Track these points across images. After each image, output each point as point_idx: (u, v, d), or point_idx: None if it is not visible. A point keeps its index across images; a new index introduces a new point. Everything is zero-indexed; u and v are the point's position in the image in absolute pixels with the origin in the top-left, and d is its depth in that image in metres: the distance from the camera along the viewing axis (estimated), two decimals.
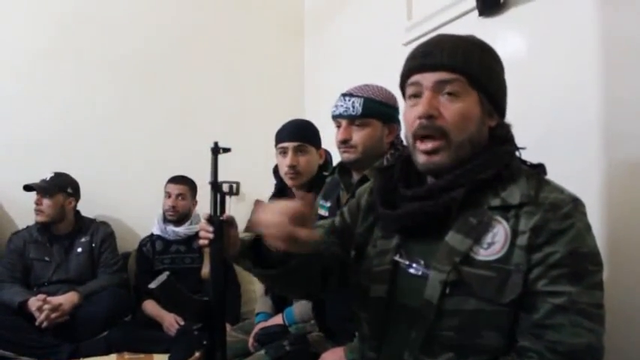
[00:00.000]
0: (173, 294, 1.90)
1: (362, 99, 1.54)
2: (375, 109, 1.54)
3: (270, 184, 2.21)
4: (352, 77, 2.73)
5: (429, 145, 0.96)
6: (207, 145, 1.50)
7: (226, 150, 1.45)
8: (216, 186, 1.44)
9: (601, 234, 1.25)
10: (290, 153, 1.89)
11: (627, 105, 1.30)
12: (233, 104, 3.34)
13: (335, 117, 1.59)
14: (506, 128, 1.02)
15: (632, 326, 1.22)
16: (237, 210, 2.92)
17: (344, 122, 1.56)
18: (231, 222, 1.33)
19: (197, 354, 1.91)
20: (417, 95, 0.98)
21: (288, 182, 1.93)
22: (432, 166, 0.97)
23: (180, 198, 2.81)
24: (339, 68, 3.00)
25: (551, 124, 1.51)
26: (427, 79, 0.96)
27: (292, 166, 1.88)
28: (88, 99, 3.06)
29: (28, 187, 2.67)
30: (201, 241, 1.36)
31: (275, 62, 3.45)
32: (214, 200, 1.39)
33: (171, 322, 2.52)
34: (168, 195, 2.83)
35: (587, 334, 0.83)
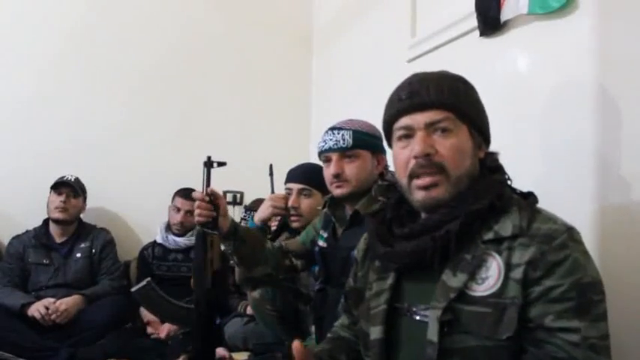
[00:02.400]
0: (153, 299, 1.94)
1: (350, 131, 1.54)
2: (364, 140, 1.55)
3: None
4: (358, 93, 2.81)
5: (427, 179, 0.95)
6: (212, 156, 1.53)
7: (221, 164, 1.48)
8: (210, 195, 1.49)
9: (594, 247, 1.29)
10: (294, 195, 1.94)
11: (624, 124, 1.32)
12: (240, 116, 3.39)
13: (324, 152, 1.58)
14: (494, 157, 1.02)
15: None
16: (239, 218, 2.96)
17: (334, 156, 1.55)
18: (217, 195, 1.49)
19: (182, 358, 1.94)
20: (407, 136, 0.98)
21: (292, 224, 1.98)
22: (431, 201, 0.96)
23: (189, 214, 2.80)
24: (345, 84, 3.05)
25: (549, 142, 1.54)
26: (417, 119, 0.96)
27: (294, 208, 1.93)
28: (96, 108, 3.10)
29: (60, 184, 2.71)
30: (197, 218, 1.47)
31: (283, 77, 3.50)
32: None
33: (156, 327, 2.57)
34: (177, 209, 2.85)
35: None
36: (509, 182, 1.00)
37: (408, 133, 0.98)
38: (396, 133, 1.01)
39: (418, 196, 0.97)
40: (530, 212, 0.92)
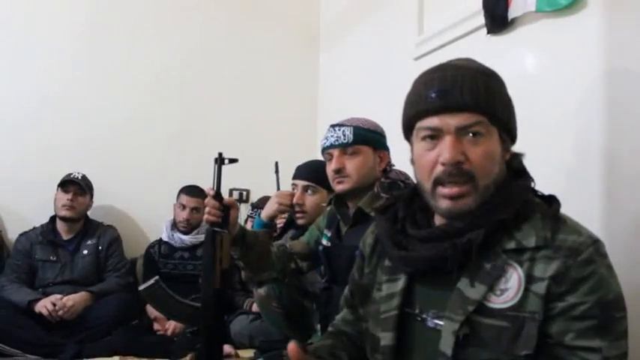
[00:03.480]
0: (161, 297, 1.95)
1: (351, 127, 1.55)
2: (366, 136, 1.56)
3: None
4: (365, 91, 2.80)
5: (454, 189, 0.88)
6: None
7: (233, 160, 1.48)
8: (219, 196, 1.50)
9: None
10: (298, 191, 1.94)
11: (632, 122, 1.32)
12: (246, 114, 3.39)
13: (326, 148, 1.59)
14: (519, 159, 0.97)
15: None
16: (246, 215, 2.96)
17: (336, 152, 1.56)
18: (232, 204, 1.51)
19: (189, 356, 1.94)
20: (433, 137, 0.90)
21: (297, 221, 1.98)
22: (457, 211, 0.89)
23: (194, 212, 2.82)
24: (353, 82, 3.05)
25: (557, 140, 1.53)
26: (448, 122, 0.88)
27: (299, 205, 1.93)
28: (103, 107, 3.12)
29: (67, 182, 2.72)
30: (207, 217, 1.47)
31: (290, 75, 3.50)
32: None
33: (162, 324, 2.58)
34: (182, 207, 2.85)
35: None
36: (533, 185, 0.95)
37: (434, 134, 0.90)
38: (421, 133, 0.92)
39: (443, 204, 0.90)
40: (555, 221, 0.87)
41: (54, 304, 2.44)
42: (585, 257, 0.82)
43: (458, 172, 0.87)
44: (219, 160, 1.46)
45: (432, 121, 0.90)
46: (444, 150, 0.88)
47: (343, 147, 1.55)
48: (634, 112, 1.31)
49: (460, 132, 0.88)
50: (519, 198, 0.90)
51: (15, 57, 2.99)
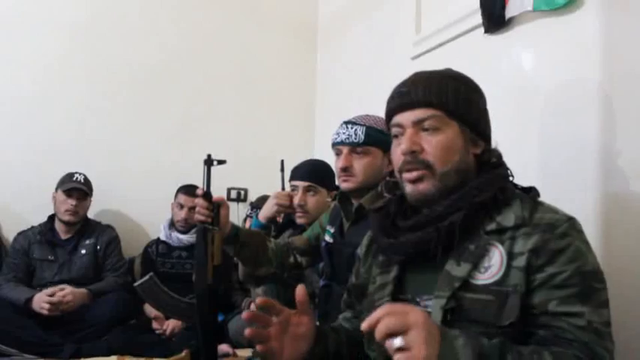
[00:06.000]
0: (156, 293, 1.96)
1: (364, 127, 1.54)
2: (377, 137, 1.54)
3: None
4: (362, 90, 2.81)
5: (413, 174, 0.99)
6: (216, 153, 1.54)
7: (221, 162, 1.50)
8: (209, 195, 1.53)
9: (596, 238, 1.29)
10: (300, 192, 1.95)
11: (628, 120, 1.33)
12: (243, 113, 3.39)
13: (336, 144, 1.59)
14: (494, 153, 1.04)
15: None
16: (244, 215, 2.97)
17: (345, 150, 1.56)
18: (222, 203, 1.53)
19: (184, 352, 1.95)
20: (400, 134, 1.02)
21: (297, 220, 1.99)
22: (417, 194, 1.00)
23: (192, 211, 2.80)
24: (350, 81, 3.05)
25: (553, 137, 1.54)
26: (406, 118, 1.00)
27: (300, 206, 1.94)
28: (100, 106, 3.12)
29: (72, 190, 2.71)
30: (197, 217, 1.50)
31: (287, 74, 3.51)
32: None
33: (161, 323, 2.58)
34: (180, 206, 2.84)
35: (604, 353, 0.84)
36: (510, 178, 1.02)
37: (400, 131, 1.02)
38: (392, 131, 1.05)
39: (408, 189, 1.01)
40: (532, 204, 0.95)
41: (52, 303, 2.43)
42: (562, 231, 0.90)
43: (414, 160, 0.99)
44: (208, 162, 1.49)
45: (396, 119, 1.03)
46: (402, 142, 1.00)
47: (353, 146, 1.55)
48: (630, 111, 1.32)
49: (416, 125, 1.00)
50: (496, 183, 0.97)
51: (12, 57, 2.98)
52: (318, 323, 1.67)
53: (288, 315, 1.00)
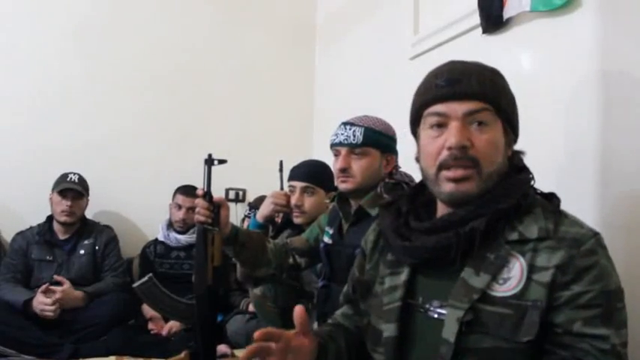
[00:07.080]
0: (155, 294, 1.96)
1: (362, 128, 1.54)
2: (375, 138, 1.54)
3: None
4: (360, 90, 2.81)
5: (459, 172, 0.91)
6: (215, 153, 1.54)
7: (222, 161, 1.50)
8: (209, 196, 1.52)
9: None
10: (297, 193, 1.95)
11: (625, 120, 1.33)
12: (242, 114, 3.39)
13: (334, 145, 1.58)
14: (520, 156, 1.00)
15: None
16: (242, 215, 2.97)
17: (343, 151, 1.55)
18: (222, 204, 1.53)
19: (183, 354, 1.95)
20: (441, 125, 0.93)
21: (294, 220, 1.99)
22: (459, 194, 0.92)
23: (190, 211, 2.80)
24: (348, 81, 3.05)
25: (550, 139, 1.54)
26: (455, 108, 0.92)
27: (297, 206, 1.94)
28: (99, 106, 3.12)
29: (66, 190, 2.70)
30: (197, 217, 1.49)
31: (286, 74, 3.51)
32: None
33: (158, 324, 2.59)
34: (178, 207, 2.85)
35: None
36: (532, 182, 0.98)
37: (442, 122, 0.93)
38: (428, 120, 0.96)
39: (447, 188, 0.93)
40: (556, 215, 0.91)
41: (51, 304, 2.43)
42: (588, 247, 0.85)
43: (463, 156, 0.90)
44: (209, 161, 1.48)
45: (439, 107, 0.93)
46: (451, 135, 0.91)
47: (351, 147, 1.54)
48: (627, 110, 1.32)
49: (467, 118, 0.91)
50: (520, 189, 0.92)
51: (12, 57, 2.98)
52: (316, 324, 1.68)
53: (288, 339, 0.95)
